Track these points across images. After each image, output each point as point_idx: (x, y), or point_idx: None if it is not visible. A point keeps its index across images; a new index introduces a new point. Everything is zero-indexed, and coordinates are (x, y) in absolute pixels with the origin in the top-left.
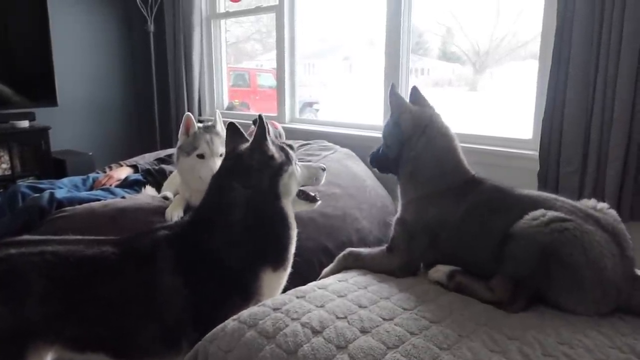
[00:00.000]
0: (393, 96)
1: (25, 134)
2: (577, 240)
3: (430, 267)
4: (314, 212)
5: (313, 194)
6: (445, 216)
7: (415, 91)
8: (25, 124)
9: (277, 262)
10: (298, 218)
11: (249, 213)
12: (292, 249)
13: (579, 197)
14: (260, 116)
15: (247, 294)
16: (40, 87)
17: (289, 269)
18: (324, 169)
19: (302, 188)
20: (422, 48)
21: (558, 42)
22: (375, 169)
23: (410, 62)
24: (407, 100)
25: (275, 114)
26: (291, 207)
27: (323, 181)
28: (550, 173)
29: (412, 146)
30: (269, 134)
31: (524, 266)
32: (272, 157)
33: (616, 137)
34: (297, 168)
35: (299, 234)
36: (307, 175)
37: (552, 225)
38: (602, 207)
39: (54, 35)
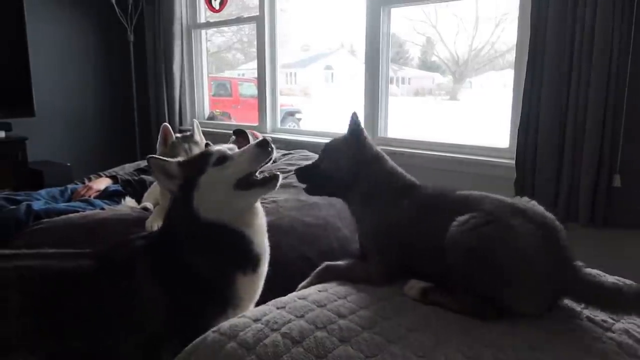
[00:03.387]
0: (354, 123)
1: (1, 145)
2: (500, 238)
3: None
4: (295, 221)
5: (267, 174)
6: (399, 221)
7: (354, 117)
8: (1, 134)
9: (245, 266)
10: (279, 227)
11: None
12: (260, 250)
13: (555, 204)
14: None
15: (224, 299)
16: (17, 98)
17: (261, 273)
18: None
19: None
20: (403, 58)
21: (532, 52)
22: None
23: (392, 71)
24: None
25: (256, 124)
26: (240, 206)
27: (275, 155)
28: (526, 181)
29: (363, 169)
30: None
31: (460, 274)
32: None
33: (589, 145)
34: (220, 171)
35: (279, 242)
36: (243, 166)
37: (475, 227)
38: (533, 203)
39: (32, 45)
